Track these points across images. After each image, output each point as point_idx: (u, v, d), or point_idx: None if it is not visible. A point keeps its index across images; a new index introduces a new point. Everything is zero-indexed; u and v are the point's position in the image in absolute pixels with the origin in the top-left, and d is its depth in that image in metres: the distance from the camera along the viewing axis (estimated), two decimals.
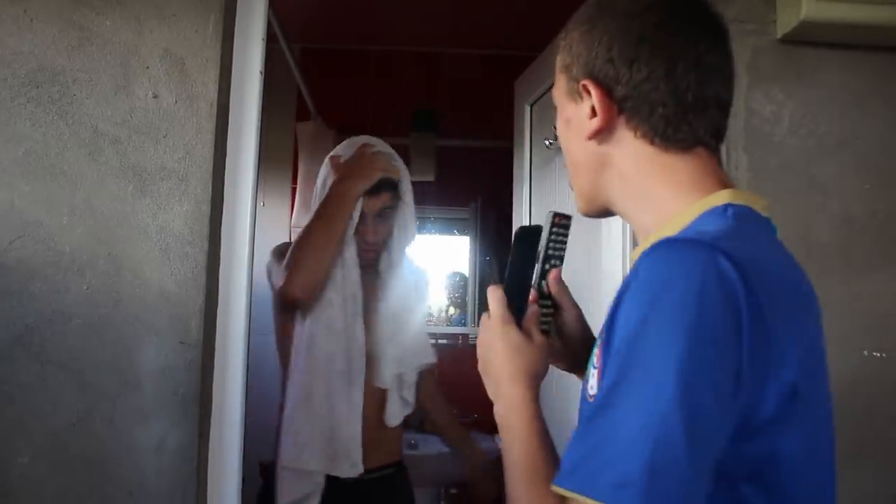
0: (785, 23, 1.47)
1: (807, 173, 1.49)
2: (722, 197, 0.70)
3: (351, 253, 1.71)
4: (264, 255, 1.71)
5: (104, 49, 1.31)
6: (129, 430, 1.24)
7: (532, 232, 0.84)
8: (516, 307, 0.80)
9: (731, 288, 0.58)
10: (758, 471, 0.61)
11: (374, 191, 1.71)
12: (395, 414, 1.76)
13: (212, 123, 1.31)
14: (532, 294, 0.83)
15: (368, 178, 1.68)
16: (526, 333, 0.79)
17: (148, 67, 1.31)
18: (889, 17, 1.41)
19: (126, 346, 1.25)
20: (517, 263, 0.82)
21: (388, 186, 1.75)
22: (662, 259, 0.61)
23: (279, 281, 1.65)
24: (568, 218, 0.84)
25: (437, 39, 3.17)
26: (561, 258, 0.85)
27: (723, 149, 0.77)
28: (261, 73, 1.36)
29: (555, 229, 0.84)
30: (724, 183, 0.73)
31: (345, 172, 1.70)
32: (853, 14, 1.41)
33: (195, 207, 1.29)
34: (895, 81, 1.51)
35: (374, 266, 1.80)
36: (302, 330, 1.69)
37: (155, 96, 1.31)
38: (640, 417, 0.56)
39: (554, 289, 0.87)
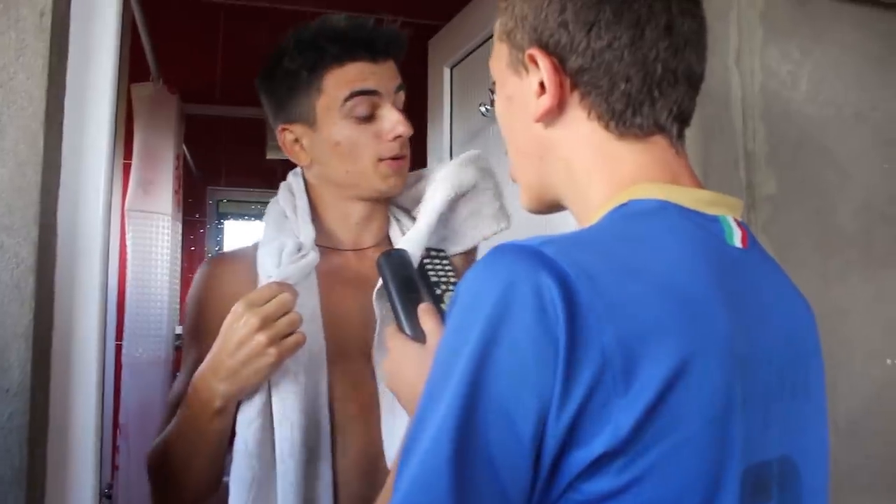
0: None
1: (824, 148, 1.24)
2: (634, 191, 0.61)
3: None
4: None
5: None
6: None
7: (401, 260, 0.85)
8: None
9: (544, 315, 0.50)
10: None
11: (373, 54, 1.05)
12: None
13: (43, 42, 0.86)
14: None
15: (245, 381, 0.90)
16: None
17: None
18: None
19: None
20: (405, 289, 0.82)
21: (391, 50, 1.08)
22: (478, 270, 0.54)
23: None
24: (439, 251, 0.94)
25: None
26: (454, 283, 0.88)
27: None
28: None
29: (433, 262, 0.90)
30: (673, 175, 0.62)
31: (211, 363, 0.91)
32: None
33: (16, 173, 0.84)
34: None
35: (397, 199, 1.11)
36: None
37: None
38: (422, 442, 0.51)
39: None
